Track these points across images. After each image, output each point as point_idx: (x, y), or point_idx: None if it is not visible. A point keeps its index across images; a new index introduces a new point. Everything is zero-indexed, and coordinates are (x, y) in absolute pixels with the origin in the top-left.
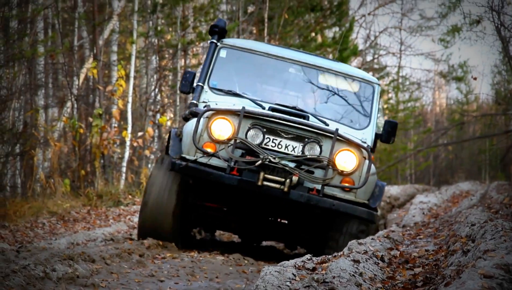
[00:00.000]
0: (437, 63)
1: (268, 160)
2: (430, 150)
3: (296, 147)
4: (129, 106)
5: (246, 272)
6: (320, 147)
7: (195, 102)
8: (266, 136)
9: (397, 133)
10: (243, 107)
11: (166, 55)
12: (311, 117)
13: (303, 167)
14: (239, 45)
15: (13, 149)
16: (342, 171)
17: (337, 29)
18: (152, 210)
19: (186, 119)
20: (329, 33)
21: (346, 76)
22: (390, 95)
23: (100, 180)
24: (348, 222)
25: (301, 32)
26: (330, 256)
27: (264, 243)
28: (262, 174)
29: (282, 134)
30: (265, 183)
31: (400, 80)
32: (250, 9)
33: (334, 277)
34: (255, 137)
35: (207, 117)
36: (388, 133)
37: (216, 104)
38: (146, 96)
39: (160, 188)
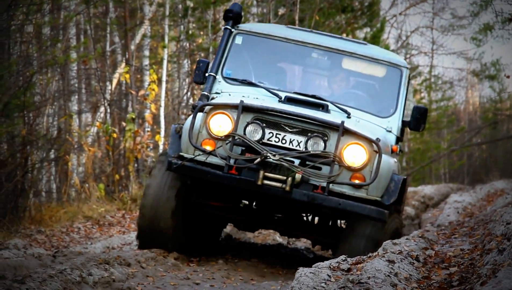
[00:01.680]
0: (470, 62)
1: (267, 157)
2: (464, 149)
3: (301, 142)
4: (162, 110)
5: (281, 274)
6: (325, 141)
7: (206, 93)
8: (269, 130)
9: (431, 132)
10: (241, 101)
11: (198, 59)
12: (331, 106)
13: (308, 163)
14: (256, 30)
15: (47, 154)
16: (351, 167)
17: (368, 29)
18: (150, 217)
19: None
20: (360, 34)
21: (371, 60)
22: (422, 94)
23: (134, 184)
24: (361, 222)
25: (332, 33)
26: (365, 257)
27: (299, 244)
28: (262, 172)
29: (286, 128)
30: (266, 182)
31: (432, 80)
32: (281, 11)
33: (369, 278)
34: (254, 132)
35: (206, 112)
36: (417, 120)
37: (230, 94)
38: (179, 99)
39: (158, 189)
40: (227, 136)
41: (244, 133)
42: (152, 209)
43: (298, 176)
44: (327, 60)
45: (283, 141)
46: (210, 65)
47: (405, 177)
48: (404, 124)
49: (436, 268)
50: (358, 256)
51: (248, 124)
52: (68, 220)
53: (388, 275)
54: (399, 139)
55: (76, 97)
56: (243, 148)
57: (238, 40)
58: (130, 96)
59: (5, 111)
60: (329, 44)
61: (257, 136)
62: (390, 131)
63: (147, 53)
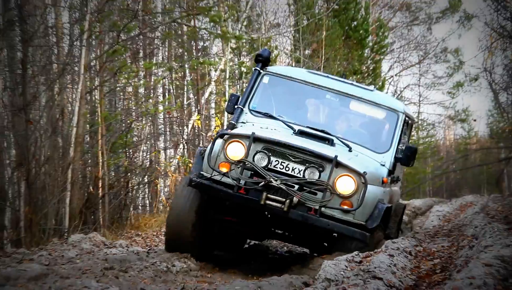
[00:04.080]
0: (446, 109)
1: (271, 181)
2: (443, 174)
3: (301, 170)
4: None
5: (310, 267)
6: (320, 171)
7: (233, 122)
8: (275, 158)
9: (418, 160)
10: (253, 133)
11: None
12: (336, 140)
13: (305, 189)
14: (281, 72)
15: (142, 179)
16: (341, 194)
17: (372, 87)
18: (175, 222)
19: None
20: None
21: (374, 104)
22: (412, 133)
23: None
24: (347, 239)
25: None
26: (372, 252)
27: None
28: (265, 194)
29: (290, 157)
30: (268, 202)
31: (419, 122)
32: None
33: (375, 267)
34: (262, 159)
35: (224, 139)
36: (407, 157)
37: (253, 124)
38: None
39: (182, 203)
40: (239, 161)
41: (253, 160)
42: (175, 220)
43: (295, 199)
44: (338, 102)
45: (287, 169)
46: (240, 99)
47: (389, 205)
48: (397, 159)
49: (424, 260)
50: (367, 252)
51: (257, 152)
52: (157, 226)
53: (389, 265)
54: (391, 172)
55: (163, 137)
56: (252, 172)
57: (265, 79)
58: (201, 136)
59: (112, 148)
60: (340, 88)
61: (264, 163)
62: (383, 165)
63: (213, 105)
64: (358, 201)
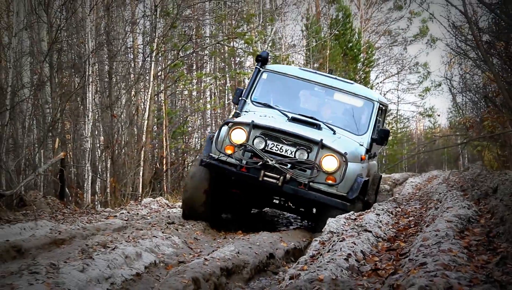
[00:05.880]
0: (418, 107)
1: (267, 161)
2: (415, 155)
3: (293, 151)
4: None
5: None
6: (308, 152)
7: (238, 111)
8: (271, 142)
9: (397, 145)
10: (252, 121)
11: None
12: (322, 125)
13: (296, 167)
14: (277, 70)
15: (195, 158)
16: (326, 171)
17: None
18: (189, 195)
19: None
20: None
21: (353, 94)
22: (392, 125)
23: None
24: (331, 208)
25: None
26: (363, 212)
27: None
28: (263, 172)
29: (284, 141)
30: (265, 178)
31: (398, 117)
32: None
33: (366, 223)
34: (260, 143)
35: (229, 126)
36: (381, 138)
37: (254, 113)
38: None
39: (195, 178)
40: (241, 145)
41: (253, 143)
42: (190, 192)
43: (288, 176)
44: (324, 93)
45: (281, 150)
46: (243, 92)
47: (367, 179)
48: (373, 140)
49: (402, 218)
50: (361, 211)
51: (256, 137)
52: None
53: (376, 222)
54: (368, 151)
55: (209, 127)
56: (252, 154)
57: (264, 76)
58: None
59: (173, 135)
60: (326, 82)
61: (262, 146)
62: (362, 145)
63: None
64: (340, 176)
